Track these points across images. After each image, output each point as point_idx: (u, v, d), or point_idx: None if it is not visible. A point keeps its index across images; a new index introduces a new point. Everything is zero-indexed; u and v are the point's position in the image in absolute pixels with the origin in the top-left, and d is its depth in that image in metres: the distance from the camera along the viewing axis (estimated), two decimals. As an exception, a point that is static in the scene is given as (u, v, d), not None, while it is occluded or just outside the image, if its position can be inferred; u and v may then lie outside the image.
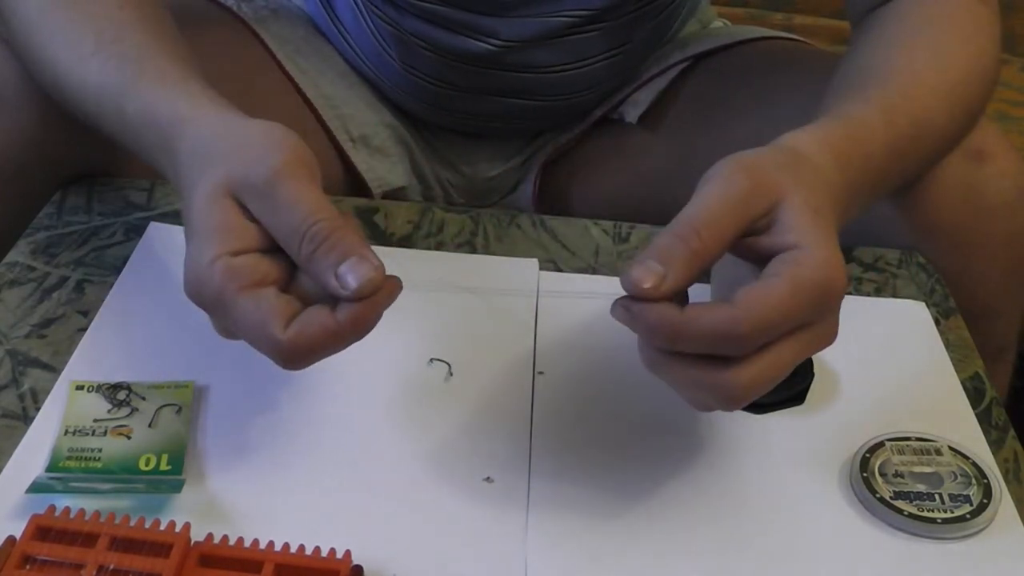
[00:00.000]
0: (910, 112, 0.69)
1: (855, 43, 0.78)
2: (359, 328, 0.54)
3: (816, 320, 0.55)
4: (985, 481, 0.63)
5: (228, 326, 0.56)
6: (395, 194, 0.97)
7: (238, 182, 0.56)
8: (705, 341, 0.53)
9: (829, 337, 0.57)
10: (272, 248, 0.55)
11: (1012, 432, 0.69)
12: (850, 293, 0.79)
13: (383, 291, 0.55)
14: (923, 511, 0.61)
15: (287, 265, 0.56)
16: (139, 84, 0.65)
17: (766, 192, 0.55)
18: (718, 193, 0.55)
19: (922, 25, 0.75)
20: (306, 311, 0.54)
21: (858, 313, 0.77)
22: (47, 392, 0.65)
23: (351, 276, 0.54)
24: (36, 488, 0.58)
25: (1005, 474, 0.65)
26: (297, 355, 0.54)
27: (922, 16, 0.75)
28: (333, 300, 0.54)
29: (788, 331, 0.54)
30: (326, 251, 0.54)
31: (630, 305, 0.53)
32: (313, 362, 0.55)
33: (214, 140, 0.59)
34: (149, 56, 0.67)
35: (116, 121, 0.66)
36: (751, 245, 0.56)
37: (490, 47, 0.89)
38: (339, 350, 0.55)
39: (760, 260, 0.56)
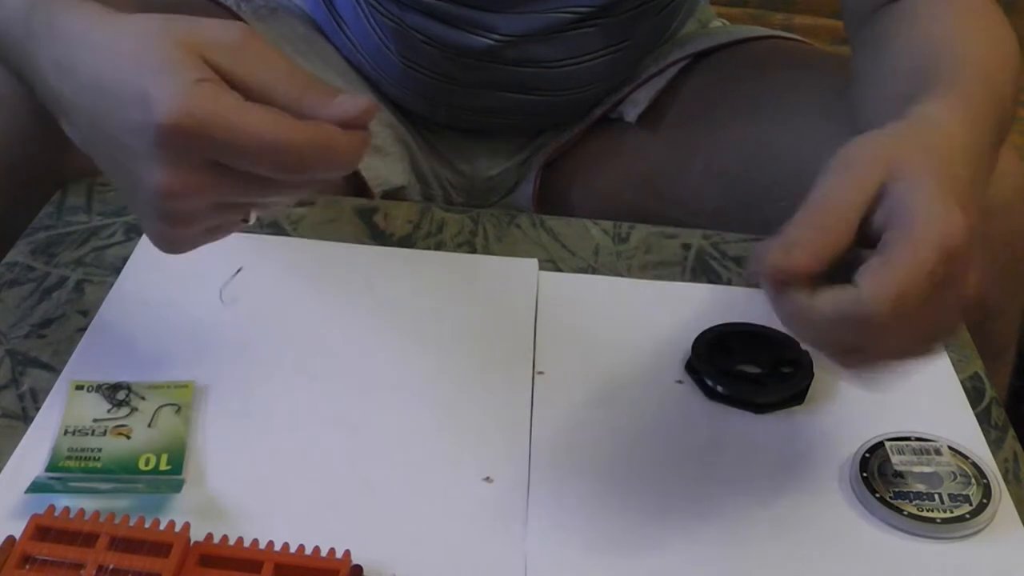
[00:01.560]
0: (1000, 93, 0.68)
1: (882, 39, 0.77)
2: (365, 140, 0.53)
3: (951, 277, 0.53)
4: (985, 481, 0.63)
5: (222, 148, 0.51)
6: (395, 194, 0.97)
7: (207, 39, 0.52)
8: (835, 326, 0.52)
9: (967, 301, 0.55)
10: None
11: (1012, 432, 0.69)
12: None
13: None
14: (923, 511, 0.61)
15: None
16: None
17: (882, 167, 0.54)
18: (838, 173, 0.54)
19: (959, 12, 0.75)
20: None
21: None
22: (47, 392, 0.65)
23: (349, 104, 0.52)
24: (36, 488, 0.58)
25: (1005, 474, 0.65)
26: (319, 143, 0.51)
27: (952, 5, 0.75)
28: None
29: (923, 299, 0.52)
30: (317, 90, 0.52)
31: (767, 285, 0.52)
32: (321, 166, 0.52)
33: (136, 25, 0.54)
34: None
35: (20, 38, 0.59)
36: (872, 224, 0.54)
37: (490, 42, 0.90)
38: (345, 158, 0.52)
39: (877, 236, 0.54)
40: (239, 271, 0.65)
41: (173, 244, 0.56)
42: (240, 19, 0.94)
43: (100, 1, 0.58)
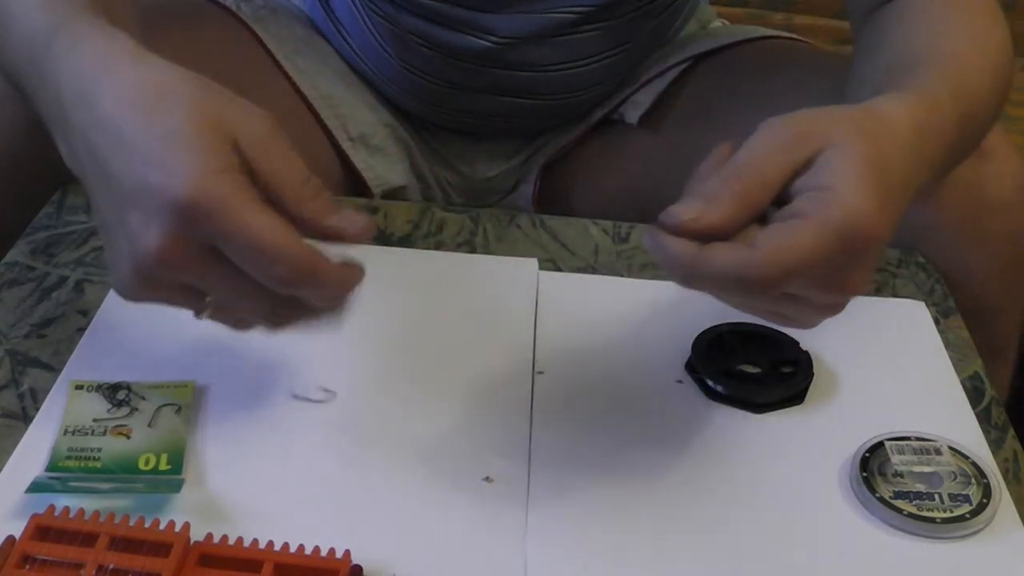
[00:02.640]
0: (967, 92, 0.68)
1: (875, 36, 0.77)
2: (356, 275, 0.55)
3: (842, 269, 0.54)
4: (985, 481, 0.63)
5: (224, 238, 0.52)
6: (394, 194, 0.97)
7: (239, 125, 0.53)
8: (719, 281, 0.52)
9: (855, 288, 0.56)
10: None
11: (1012, 432, 0.69)
12: (850, 293, 0.79)
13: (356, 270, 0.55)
14: (923, 511, 0.61)
15: None
16: (75, 26, 0.58)
17: (813, 137, 0.55)
18: (762, 139, 0.55)
19: (951, 13, 0.75)
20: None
21: (858, 313, 0.77)
22: (47, 392, 0.65)
23: (353, 219, 0.54)
24: (36, 488, 0.58)
25: (1005, 474, 0.65)
26: (310, 267, 0.52)
27: (945, 9, 0.75)
28: None
29: (810, 278, 0.53)
30: (326, 199, 0.54)
31: (658, 234, 0.53)
32: (306, 287, 0.53)
33: (172, 85, 0.54)
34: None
35: (34, 66, 0.59)
36: (790, 188, 0.55)
37: (488, 44, 0.89)
38: (334, 286, 0.54)
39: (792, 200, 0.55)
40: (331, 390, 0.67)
41: (133, 295, 0.56)
42: (239, 19, 0.94)
43: (106, 10, 0.58)
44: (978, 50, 0.72)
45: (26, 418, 0.63)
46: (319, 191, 0.54)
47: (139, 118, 0.53)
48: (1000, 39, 0.76)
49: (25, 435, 0.62)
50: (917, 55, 0.71)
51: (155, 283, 0.55)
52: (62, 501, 0.57)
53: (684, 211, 0.53)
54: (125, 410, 0.63)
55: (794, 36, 1.03)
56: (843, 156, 0.54)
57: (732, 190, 0.53)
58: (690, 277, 0.53)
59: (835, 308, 0.58)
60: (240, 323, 0.58)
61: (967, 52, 0.72)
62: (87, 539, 0.54)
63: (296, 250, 0.52)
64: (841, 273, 0.55)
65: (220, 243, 0.52)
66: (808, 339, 0.72)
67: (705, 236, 0.53)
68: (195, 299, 0.57)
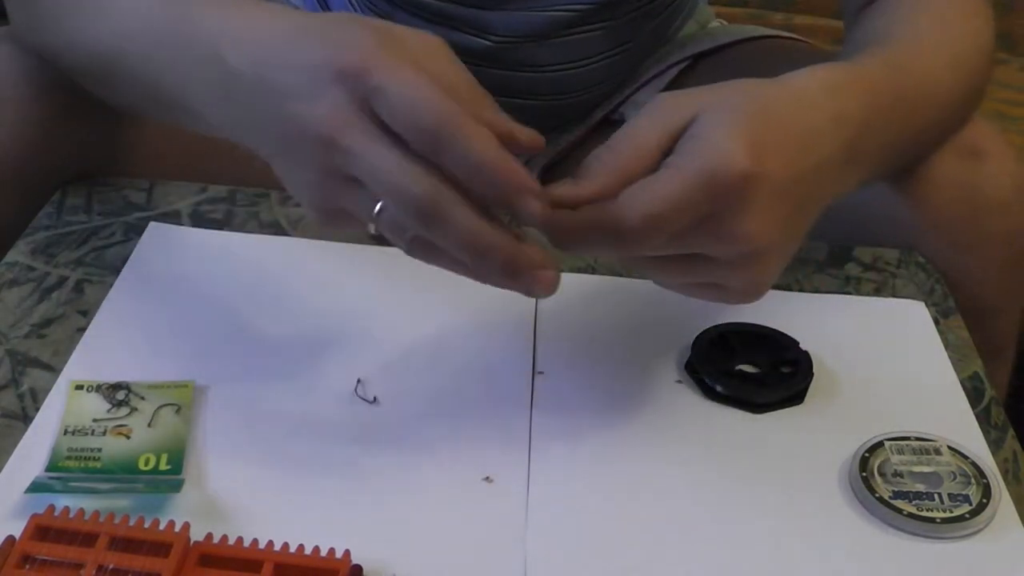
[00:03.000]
0: (915, 66, 0.69)
1: (855, 35, 0.78)
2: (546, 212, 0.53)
3: (722, 213, 0.54)
4: (984, 481, 0.63)
5: (384, 99, 0.51)
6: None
7: (409, 34, 0.55)
8: (589, 235, 0.53)
9: (753, 236, 0.55)
10: None
11: (1011, 432, 0.69)
12: (849, 292, 0.79)
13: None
14: (922, 511, 0.61)
15: None
16: None
17: (687, 104, 0.56)
18: (641, 114, 0.56)
19: (923, 6, 0.75)
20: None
21: (858, 313, 0.78)
22: (47, 392, 0.65)
23: (519, 127, 0.55)
24: (36, 488, 0.58)
25: (1004, 474, 0.65)
26: (460, 130, 0.51)
27: (927, 5, 0.76)
28: None
29: (684, 228, 0.53)
30: (495, 108, 0.55)
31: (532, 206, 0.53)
32: (459, 157, 0.51)
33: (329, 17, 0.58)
34: None
35: (168, 28, 0.62)
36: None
37: (487, 43, 0.89)
38: (478, 165, 0.52)
39: None
40: (359, 382, 0.67)
41: (327, 208, 0.55)
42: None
43: None
44: (940, 33, 0.73)
45: (26, 418, 0.63)
46: (486, 100, 0.54)
47: (307, 19, 0.56)
48: (974, 29, 0.76)
49: (25, 435, 0.62)
50: (871, 36, 0.72)
51: (341, 174, 0.53)
52: (62, 501, 0.57)
53: (558, 187, 0.54)
54: (125, 410, 0.63)
55: (794, 36, 1.03)
56: (715, 112, 0.55)
57: (605, 163, 0.54)
58: (566, 240, 0.54)
59: (753, 273, 0.58)
60: (414, 242, 0.55)
61: (925, 34, 0.72)
62: (87, 539, 0.54)
63: (447, 103, 0.51)
64: (723, 219, 0.54)
65: (376, 101, 0.51)
66: (808, 339, 0.72)
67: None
68: (370, 201, 0.55)
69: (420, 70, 0.52)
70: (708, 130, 0.54)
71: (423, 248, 0.54)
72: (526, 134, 0.54)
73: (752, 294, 0.60)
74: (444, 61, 0.54)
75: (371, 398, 0.66)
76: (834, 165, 0.60)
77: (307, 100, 0.53)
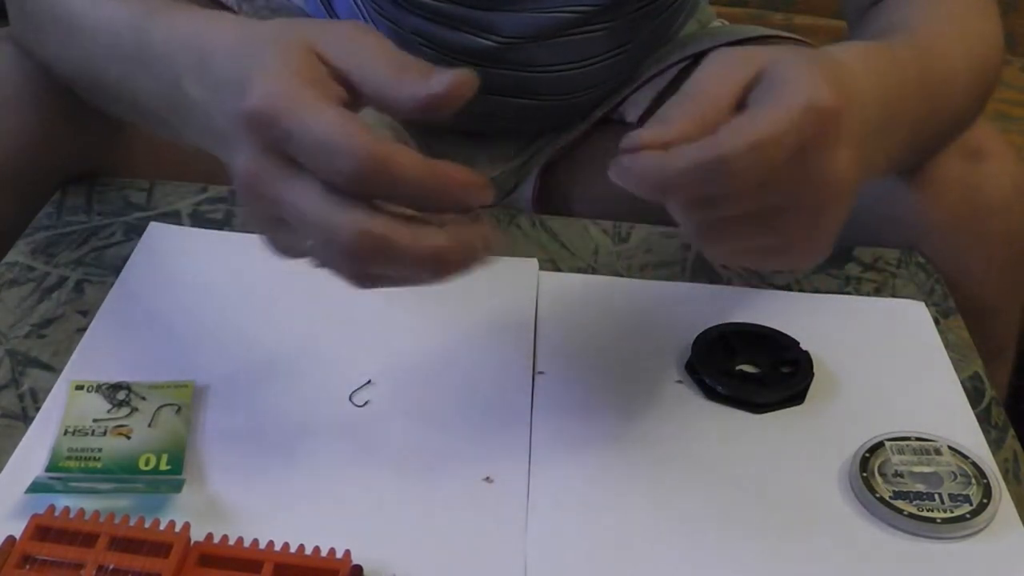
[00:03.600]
0: (937, 59, 0.69)
1: (861, 31, 0.78)
2: (449, 192, 0.52)
3: (811, 152, 0.54)
4: (985, 481, 0.63)
5: (293, 137, 0.50)
6: (395, 194, 0.97)
7: (319, 35, 0.53)
8: (692, 174, 0.52)
9: (835, 179, 0.55)
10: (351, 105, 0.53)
11: (1012, 432, 0.69)
12: (849, 292, 0.79)
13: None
14: (923, 511, 0.61)
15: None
16: (166, 10, 0.63)
17: (759, 57, 0.56)
18: (709, 64, 0.56)
19: (936, 5, 0.75)
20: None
21: (858, 313, 0.78)
22: (47, 392, 0.65)
23: (436, 81, 0.52)
24: (36, 488, 0.58)
25: (1005, 474, 0.65)
26: (380, 164, 0.49)
27: (935, 4, 0.76)
28: None
29: (780, 165, 0.53)
30: (415, 68, 0.52)
31: (621, 159, 0.53)
32: (386, 189, 0.50)
33: (265, 27, 0.57)
34: None
35: (134, 55, 0.63)
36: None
37: (491, 44, 0.90)
38: (412, 192, 0.50)
39: None
40: (369, 382, 0.67)
41: (274, 246, 0.55)
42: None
43: None
44: (959, 34, 0.73)
45: (26, 418, 0.63)
46: (404, 65, 0.52)
47: (231, 55, 0.55)
48: (986, 30, 0.76)
49: (25, 435, 0.62)
50: (891, 26, 0.72)
51: (259, 217, 0.54)
52: (62, 501, 0.57)
53: (642, 133, 0.53)
54: (125, 410, 0.63)
55: (794, 36, 1.03)
56: (790, 63, 0.55)
57: (684, 110, 0.54)
58: (663, 183, 0.52)
59: (824, 224, 0.57)
60: (354, 275, 0.54)
61: (945, 29, 0.72)
62: (87, 539, 0.54)
63: (361, 140, 0.49)
64: (814, 157, 0.54)
65: (289, 146, 0.51)
66: (808, 339, 0.72)
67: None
68: (297, 238, 0.54)
69: (330, 104, 0.50)
70: (793, 74, 0.54)
71: (369, 280, 0.53)
72: (444, 83, 0.52)
73: (817, 252, 0.59)
74: (362, 42, 0.53)
75: (371, 398, 0.67)
76: (876, 132, 0.60)
77: (232, 147, 0.53)
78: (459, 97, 0.52)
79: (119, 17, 0.65)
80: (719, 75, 0.56)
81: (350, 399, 0.66)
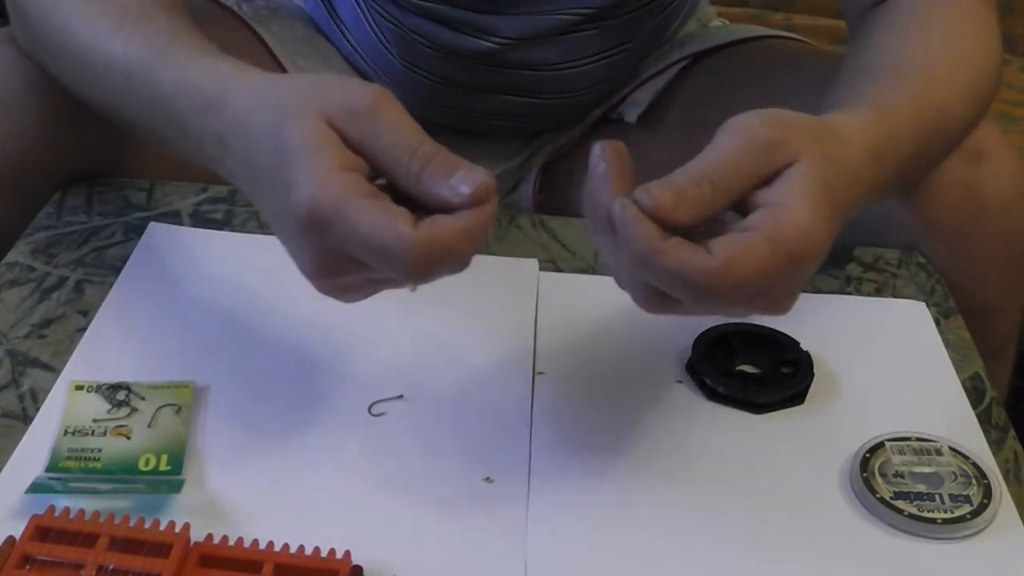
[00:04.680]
0: (933, 103, 0.69)
1: (861, 37, 0.78)
2: (483, 226, 0.54)
3: (785, 283, 0.56)
4: (985, 481, 0.63)
5: (346, 242, 0.53)
6: (395, 194, 0.97)
7: (337, 109, 0.55)
8: (670, 278, 0.53)
9: (784, 304, 0.58)
10: (371, 177, 0.55)
11: (1012, 432, 0.69)
12: (850, 293, 0.79)
13: (493, 199, 0.55)
14: (923, 511, 0.61)
15: (387, 192, 0.55)
16: (174, 52, 0.64)
17: (785, 149, 0.56)
18: (738, 144, 0.56)
19: (933, 20, 0.75)
20: (429, 217, 0.53)
21: (858, 313, 0.78)
22: (47, 392, 0.65)
23: (464, 184, 0.54)
24: (36, 488, 0.58)
25: (1005, 474, 0.65)
26: (429, 255, 0.53)
27: (931, 12, 0.76)
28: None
29: (757, 291, 0.55)
30: (438, 166, 0.54)
31: (630, 207, 0.54)
32: (437, 272, 0.54)
33: (280, 84, 0.59)
34: (179, 30, 0.66)
35: (145, 93, 0.65)
36: (749, 196, 0.56)
37: (491, 44, 0.90)
38: (463, 257, 0.54)
39: (749, 209, 0.56)
40: (400, 396, 0.67)
41: (340, 297, 0.59)
42: (241, 19, 0.94)
43: None
44: (955, 59, 0.73)
45: (26, 418, 0.63)
46: (430, 156, 0.54)
47: (256, 146, 0.57)
48: (985, 44, 0.76)
49: (25, 435, 0.62)
50: (889, 61, 0.72)
51: (340, 290, 0.58)
52: (62, 501, 0.57)
53: (662, 195, 0.54)
54: (125, 410, 0.63)
55: (794, 36, 1.03)
56: (803, 176, 0.56)
57: (703, 193, 0.54)
58: (644, 263, 0.54)
59: (794, 287, 0.59)
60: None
61: (941, 62, 0.72)
62: (87, 540, 0.54)
63: (405, 246, 0.52)
64: (782, 287, 0.56)
65: (345, 250, 0.54)
66: (808, 339, 0.72)
67: (669, 228, 0.54)
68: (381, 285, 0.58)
69: (370, 204, 0.53)
70: (796, 200, 0.55)
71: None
72: (473, 184, 0.55)
73: (787, 306, 0.60)
74: (387, 121, 0.55)
75: (371, 398, 0.66)
76: (863, 187, 0.62)
77: (285, 238, 0.56)
78: (480, 200, 0.55)
79: (130, 55, 0.66)
80: (743, 162, 0.55)
81: (354, 391, 0.66)
